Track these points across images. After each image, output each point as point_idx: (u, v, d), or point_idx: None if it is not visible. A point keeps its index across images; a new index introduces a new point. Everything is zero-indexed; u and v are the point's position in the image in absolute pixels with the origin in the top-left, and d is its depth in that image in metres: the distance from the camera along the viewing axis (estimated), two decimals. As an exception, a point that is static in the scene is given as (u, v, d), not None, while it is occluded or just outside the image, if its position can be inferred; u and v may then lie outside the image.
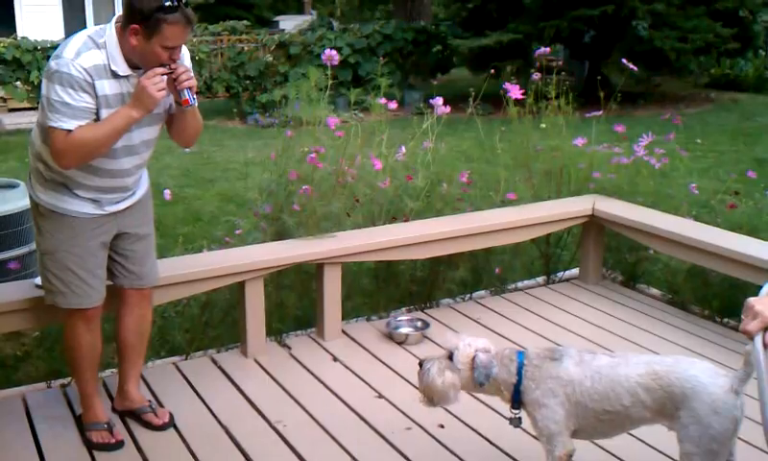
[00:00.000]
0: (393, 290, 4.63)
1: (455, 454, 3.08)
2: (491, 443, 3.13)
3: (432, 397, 2.64)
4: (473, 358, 2.57)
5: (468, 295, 4.83)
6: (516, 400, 2.58)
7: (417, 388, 2.71)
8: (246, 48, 14.65)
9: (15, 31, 15.39)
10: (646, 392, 2.42)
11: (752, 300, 2.08)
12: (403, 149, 4.86)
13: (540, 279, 5.13)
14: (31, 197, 3.02)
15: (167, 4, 2.67)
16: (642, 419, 2.50)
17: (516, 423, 2.64)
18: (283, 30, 18.88)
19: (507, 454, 3.06)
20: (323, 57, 4.48)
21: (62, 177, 2.89)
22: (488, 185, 5.32)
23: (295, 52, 14.56)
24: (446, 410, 3.38)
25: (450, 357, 2.60)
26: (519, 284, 5.03)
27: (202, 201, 7.62)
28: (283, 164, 4.40)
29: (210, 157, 9.62)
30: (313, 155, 4.27)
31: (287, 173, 4.32)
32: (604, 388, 2.46)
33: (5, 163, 8.79)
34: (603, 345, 4.04)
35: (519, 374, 2.55)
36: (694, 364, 2.45)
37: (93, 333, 3.10)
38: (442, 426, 3.26)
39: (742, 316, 2.08)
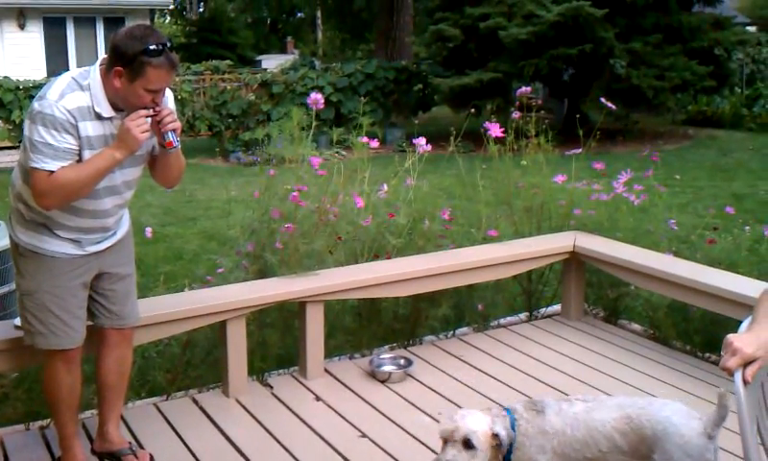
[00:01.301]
0: (375, 328, 4.63)
1: (439, 494, 3.05)
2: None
3: None
4: (494, 436, 2.37)
5: (452, 332, 4.83)
6: (508, 459, 2.44)
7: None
8: (228, 87, 14.73)
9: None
10: (622, 436, 2.40)
11: (731, 336, 2.10)
12: (385, 186, 4.88)
13: (523, 316, 5.15)
14: (11, 237, 3.00)
15: (151, 48, 2.69)
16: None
17: None
18: (266, 69, 19.02)
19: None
20: (308, 101, 4.51)
21: (43, 217, 2.88)
22: (469, 222, 5.36)
23: (277, 91, 14.65)
24: (427, 447, 3.37)
25: (467, 444, 2.35)
26: (502, 321, 5.04)
27: (183, 239, 7.60)
28: (266, 202, 4.41)
29: (192, 195, 9.61)
30: (295, 193, 4.29)
31: (269, 211, 4.33)
32: (583, 435, 2.42)
33: None
34: (585, 381, 4.05)
35: (513, 431, 2.45)
36: (666, 405, 2.45)
37: (73, 375, 3.07)
38: (425, 466, 3.24)
39: (722, 352, 2.09)
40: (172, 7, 28.29)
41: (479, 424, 2.35)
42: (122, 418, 3.49)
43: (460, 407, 3.73)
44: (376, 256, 4.60)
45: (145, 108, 2.79)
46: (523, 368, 4.25)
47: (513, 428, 2.43)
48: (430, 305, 4.68)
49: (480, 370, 4.22)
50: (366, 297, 4.32)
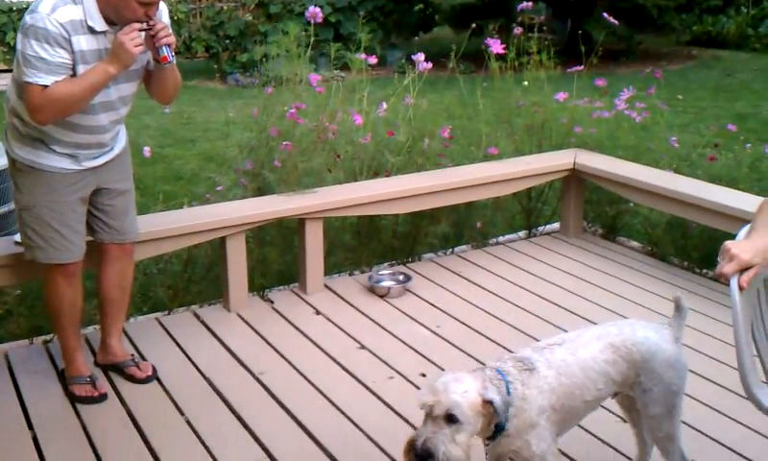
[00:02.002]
0: (375, 245, 4.64)
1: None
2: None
3: None
4: (486, 403, 2.02)
5: (450, 249, 4.85)
6: (502, 426, 2.09)
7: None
8: (225, 7, 14.43)
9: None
10: (613, 367, 2.31)
11: (728, 243, 2.10)
12: (384, 105, 4.83)
13: (522, 234, 5.16)
14: (7, 153, 2.99)
15: None
16: (606, 396, 2.40)
17: None
18: (263, -11, 18.60)
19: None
20: (306, 14, 4.43)
21: (39, 132, 2.86)
22: (469, 141, 5.32)
23: (275, 11, 14.35)
24: (426, 358, 3.42)
25: (451, 419, 1.97)
26: (501, 239, 5.05)
27: (182, 160, 7.56)
28: (264, 121, 4.37)
29: (191, 117, 9.51)
30: (293, 110, 4.25)
31: (268, 129, 4.30)
32: (580, 379, 2.25)
33: None
34: (584, 296, 4.09)
35: (508, 394, 2.11)
36: (636, 326, 2.40)
37: (74, 288, 3.09)
38: (423, 375, 3.29)
39: (719, 259, 2.10)
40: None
41: (465, 393, 1.98)
42: (124, 332, 3.55)
43: (460, 322, 3.80)
44: (375, 175, 4.58)
45: (138, 21, 2.74)
46: (522, 283, 4.28)
47: (508, 392, 2.10)
48: (429, 223, 4.68)
49: (479, 285, 4.25)
50: (365, 214, 4.32)
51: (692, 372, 3.30)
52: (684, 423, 2.89)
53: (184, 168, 7.21)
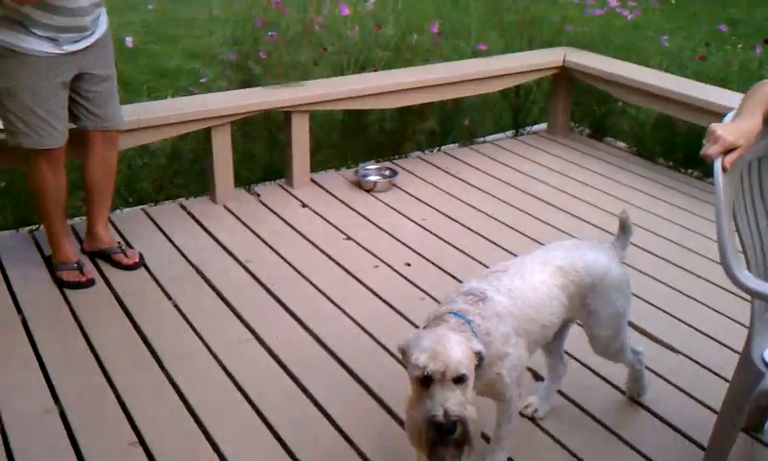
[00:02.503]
0: (361, 142, 4.62)
1: (420, 288, 3.17)
2: (453, 277, 3.21)
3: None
4: (476, 354, 1.91)
5: (437, 147, 4.83)
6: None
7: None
8: None
9: None
10: (563, 291, 2.19)
11: (714, 125, 2.10)
12: (372, -1, 4.74)
13: (509, 133, 5.13)
14: None
15: None
16: (558, 323, 2.25)
17: None
18: None
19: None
20: None
21: (18, 14, 2.79)
22: (458, 36, 5.24)
23: None
24: (412, 249, 3.46)
25: (460, 379, 1.84)
26: (488, 137, 5.03)
27: (166, 56, 7.41)
28: (248, 12, 4.27)
29: (174, 13, 9.28)
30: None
31: (252, 20, 4.21)
32: (534, 302, 2.14)
33: None
34: (571, 193, 4.11)
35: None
36: (582, 249, 2.28)
37: (58, 174, 3.08)
38: (408, 265, 3.33)
39: (704, 141, 2.10)
40: None
41: (462, 349, 1.87)
42: (111, 222, 3.55)
43: (446, 216, 3.83)
44: (362, 69, 4.52)
45: None
46: (508, 180, 4.28)
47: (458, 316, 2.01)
48: (417, 120, 4.65)
49: (465, 181, 4.26)
50: (351, 109, 4.29)
51: (676, 266, 3.38)
52: (679, 319, 2.97)
53: (168, 63, 7.09)
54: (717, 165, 2.06)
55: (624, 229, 2.36)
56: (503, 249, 3.49)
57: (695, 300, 3.12)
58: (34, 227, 3.64)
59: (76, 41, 2.95)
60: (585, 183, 4.25)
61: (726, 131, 2.07)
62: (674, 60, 4.94)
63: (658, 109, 4.37)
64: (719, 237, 2.11)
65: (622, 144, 4.92)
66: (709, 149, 2.07)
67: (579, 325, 2.35)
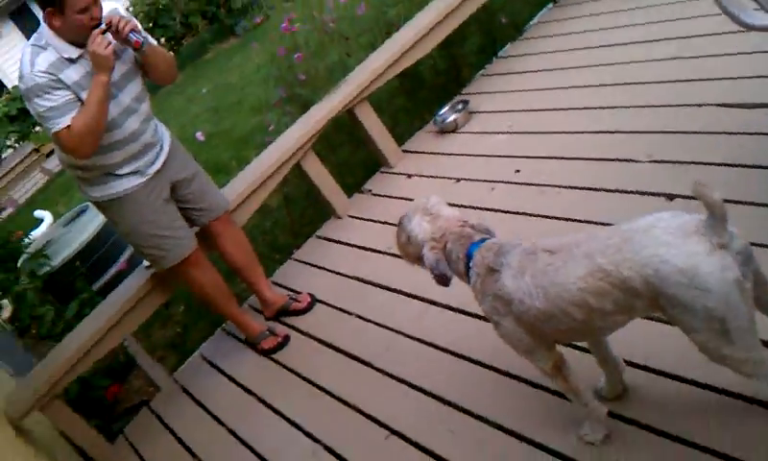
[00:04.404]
0: (426, 95, 4.78)
1: (542, 184, 3.42)
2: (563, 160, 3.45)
3: None
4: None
5: (493, 58, 4.96)
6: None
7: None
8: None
9: (5, 87, 15.63)
10: (600, 298, 1.80)
11: None
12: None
13: (550, 6, 5.19)
14: (89, 200, 3.33)
15: None
16: (621, 321, 1.89)
17: None
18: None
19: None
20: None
21: (97, 169, 3.16)
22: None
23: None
24: (518, 157, 3.70)
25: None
26: (532, 22, 5.13)
27: (235, 126, 7.86)
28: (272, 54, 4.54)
29: (226, 82, 9.74)
30: (285, 24, 4.40)
31: (276, 53, 4.49)
32: (547, 307, 1.89)
33: (73, 197, 9.15)
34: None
35: (468, 275, 2.09)
36: (648, 234, 1.73)
37: (207, 272, 3.51)
38: (518, 171, 3.61)
39: None
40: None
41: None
42: (274, 283, 3.99)
43: (536, 110, 3.98)
44: (387, 33, 4.72)
45: (93, 28, 2.93)
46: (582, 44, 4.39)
47: (468, 273, 2.08)
48: (462, 43, 4.76)
49: (541, 70, 4.42)
50: (401, 71, 4.43)
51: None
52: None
53: (240, 131, 7.56)
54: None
55: (712, 207, 1.66)
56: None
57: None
58: (224, 325, 4.06)
59: (153, 163, 3.27)
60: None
61: None
62: None
63: None
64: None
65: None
66: None
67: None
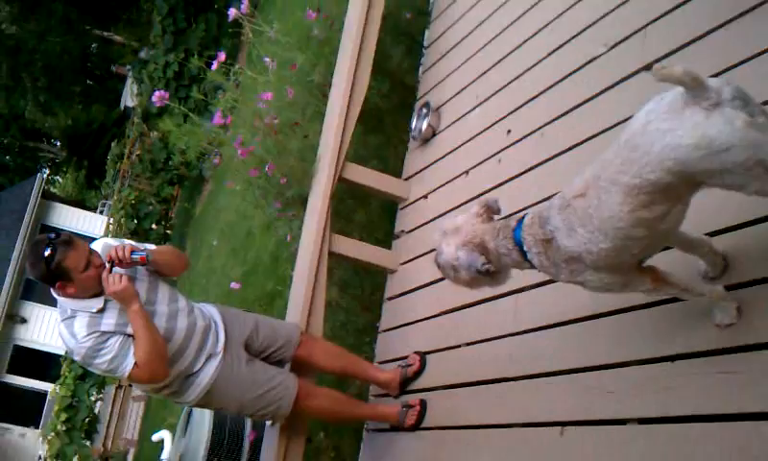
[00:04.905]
0: (389, 121, 4.89)
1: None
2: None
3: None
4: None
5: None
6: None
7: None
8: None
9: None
10: (649, 209, 1.85)
11: None
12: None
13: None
14: (193, 408, 3.55)
15: (48, 254, 3.01)
16: (682, 208, 1.94)
17: None
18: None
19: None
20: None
21: (178, 378, 3.32)
22: None
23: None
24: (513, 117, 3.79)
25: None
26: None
27: (257, 252, 7.94)
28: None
29: (228, 224, 9.83)
30: (237, 142, 4.60)
31: (266, 168, 4.59)
32: (613, 242, 1.93)
33: (169, 418, 9.31)
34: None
35: (527, 259, 2.14)
36: (647, 135, 1.79)
37: (321, 395, 3.62)
38: (509, 131, 3.71)
39: None
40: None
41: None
42: (378, 363, 4.09)
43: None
44: (324, 96, 4.75)
45: (100, 274, 3.10)
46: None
47: (518, 238, 2.12)
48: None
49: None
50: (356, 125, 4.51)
51: None
52: None
53: (263, 256, 7.66)
54: None
55: (691, 82, 1.71)
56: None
57: None
58: (366, 428, 4.14)
59: (218, 340, 3.42)
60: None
61: None
62: None
63: None
64: None
65: None
66: None
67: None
